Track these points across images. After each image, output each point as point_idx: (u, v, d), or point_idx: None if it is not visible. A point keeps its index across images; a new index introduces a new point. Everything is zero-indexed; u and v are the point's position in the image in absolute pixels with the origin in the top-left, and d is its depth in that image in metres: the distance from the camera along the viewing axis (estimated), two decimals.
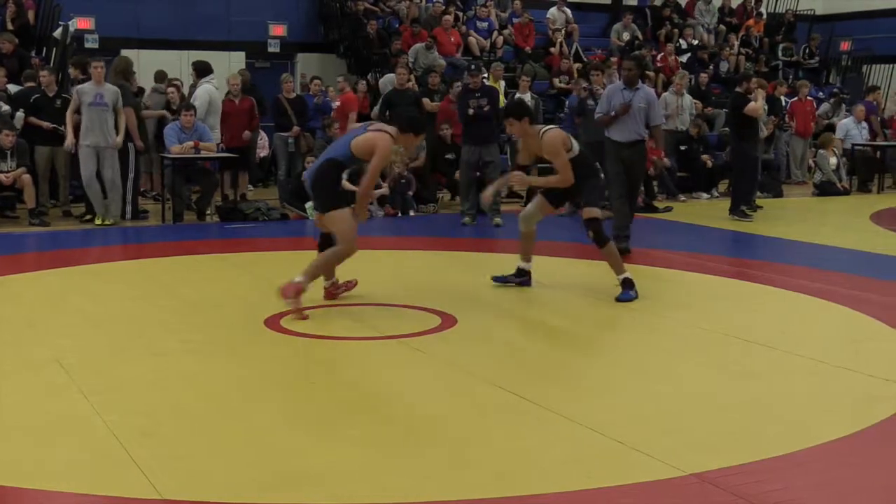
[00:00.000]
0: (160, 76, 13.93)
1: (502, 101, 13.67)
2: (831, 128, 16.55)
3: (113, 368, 5.34)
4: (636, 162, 9.32)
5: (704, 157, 14.54)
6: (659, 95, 13.47)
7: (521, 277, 7.56)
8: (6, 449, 4.14)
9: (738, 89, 12.10)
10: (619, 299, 7.05)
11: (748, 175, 12.12)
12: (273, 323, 6.31)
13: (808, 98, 16.51)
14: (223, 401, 4.80)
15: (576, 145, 7.11)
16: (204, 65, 12.42)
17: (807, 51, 20.68)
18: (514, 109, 7.26)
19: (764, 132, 13.01)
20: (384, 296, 7.17)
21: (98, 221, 10.89)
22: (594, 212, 7.13)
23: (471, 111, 11.26)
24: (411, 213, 12.16)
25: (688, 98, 14.73)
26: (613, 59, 16.86)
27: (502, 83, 14.62)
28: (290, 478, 3.85)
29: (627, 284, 7.15)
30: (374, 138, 6.43)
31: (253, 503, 3.60)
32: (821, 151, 15.39)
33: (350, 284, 7.10)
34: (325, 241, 6.80)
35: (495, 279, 7.59)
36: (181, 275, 8.21)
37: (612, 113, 9.26)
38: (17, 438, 4.27)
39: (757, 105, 11.70)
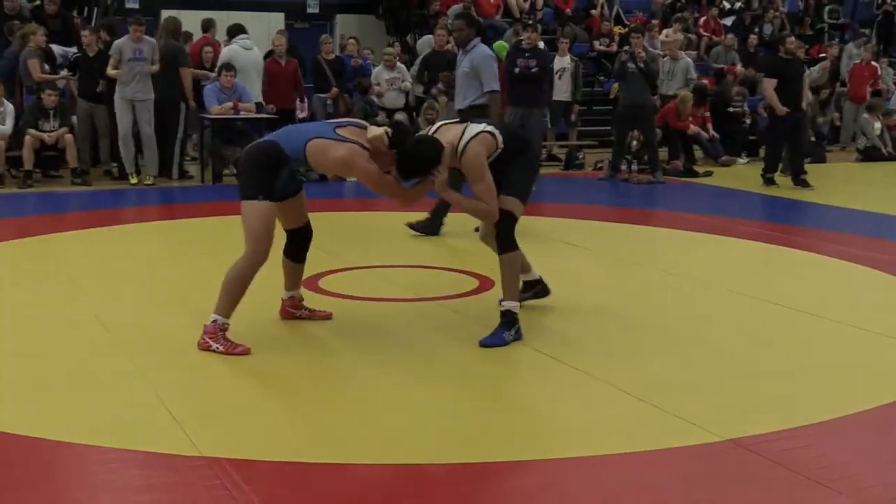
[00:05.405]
0: None
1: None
2: (878, 93, 16.24)
3: (154, 327, 5.40)
4: None
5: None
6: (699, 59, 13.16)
7: (532, 289, 5.86)
8: (49, 403, 4.21)
9: (779, 54, 11.92)
10: (483, 343, 5.05)
11: (774, 140, 11.85)
12: (311, 283, 6.34)
13: (872, 63, 16.12)
14: (261, 361, 4.84)
15: (499, 139, 5.09)
16: (235, 27, 12.32)
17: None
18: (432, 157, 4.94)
19: (810, 97, 12.67)
20: (421, 258, 7.17)
21: (133, 181, 10.94)
22: (511, 203, 5.11)
23: (517, 70, 10.91)
24: None
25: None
26: (655, 22, 16.65)
27: (542, 45, 14.44)
28: (325, 438, 3.89)
29: (507, 320, 5.13)
30: (342, 157, 4.83)
31: (288, 461, 3.64)
32: (865, 116, 15.12)
33: (323, 314, 5.55)
34: (296, 241, 5.35)
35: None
36: (221, 235, 8.25)
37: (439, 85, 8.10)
38: (60, 393, 4.35)
39: (767, 84, 11.46)
